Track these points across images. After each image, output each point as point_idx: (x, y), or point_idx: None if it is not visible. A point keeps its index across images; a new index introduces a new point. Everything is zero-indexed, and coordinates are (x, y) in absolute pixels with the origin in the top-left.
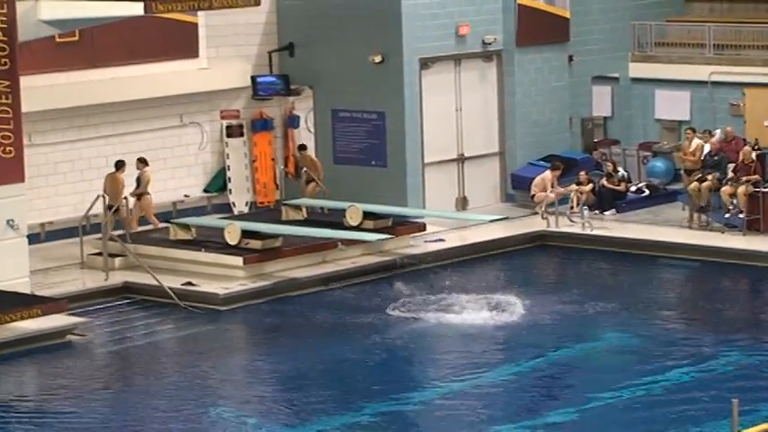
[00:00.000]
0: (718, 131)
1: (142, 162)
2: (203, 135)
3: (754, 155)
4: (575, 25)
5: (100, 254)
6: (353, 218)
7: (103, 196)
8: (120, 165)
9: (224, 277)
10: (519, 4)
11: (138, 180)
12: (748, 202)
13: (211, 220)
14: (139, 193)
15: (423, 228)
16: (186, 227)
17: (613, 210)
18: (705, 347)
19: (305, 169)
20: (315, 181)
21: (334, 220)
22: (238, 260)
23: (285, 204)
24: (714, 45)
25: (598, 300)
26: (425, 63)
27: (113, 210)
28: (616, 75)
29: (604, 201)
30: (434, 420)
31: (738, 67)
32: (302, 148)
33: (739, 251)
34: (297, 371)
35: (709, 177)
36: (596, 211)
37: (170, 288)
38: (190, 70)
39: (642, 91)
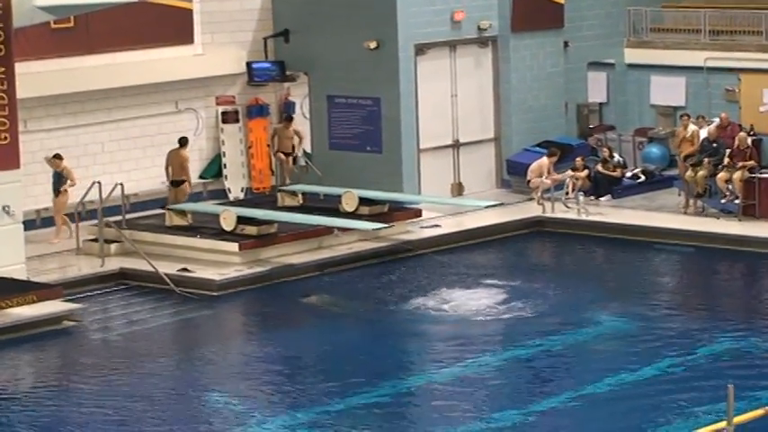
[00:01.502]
0: (716, 119)
1: (58, 158)
2: (199, 121)
3: (749, 140)
4: (570, 11)
5: (96, 240)
6: (349, 204)
7: (166, 171)
8: (183, 141)
9: (220, 263)
10: None
11: (59, 176)
12: (744, 188)
13: (207, 207)
14: (61, 190)
15: (418, 214)
16: (182, 213)
17: (609, 195)
18: (700, 333)
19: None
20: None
21: (330, 206)
22: (234, 246)
23: (281, 190)
24: (709, 31)
25: (593, 285)
26: (421, 49)
27: (177, 185)
28: (611, 60)
29: (600, 186)
30: (431, 406)
31: (734, 53)
32: (289, 119)
33: (735, 237)
34: (293, 357)
35: (704, 163)
36: (592, 197)
37: (166, 274)
38: (185, 56)
39: (638, 77)
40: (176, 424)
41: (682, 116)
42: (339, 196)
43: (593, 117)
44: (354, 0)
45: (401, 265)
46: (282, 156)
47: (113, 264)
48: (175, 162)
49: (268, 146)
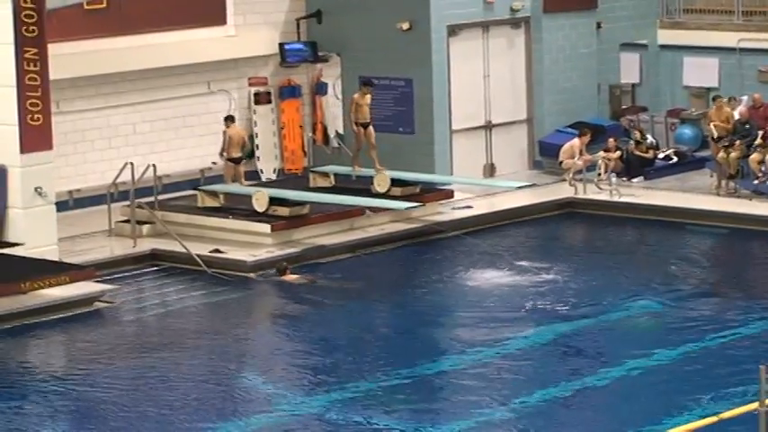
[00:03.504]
0: (744, 98)
1: None
2: (231, 102)
3: None
4: None
5: (128, 221)
6: (381, 185)
7: (227, 149)
8: (231, 119)
9: (252, 244)
10: None
11: None
12: None
13: (239, 188)
14: None
15: (450, 195)
16: (214, 194)
17: (641, 177)
18: (733, 314)
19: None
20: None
21: (362, 186)
22: (266, 227)
23: (313, 171)
24: (743, 11)
25: (625, 266)
26: (453, 30)
27: (238, 162)
28: (644, 41)
29: (632, 168)
30: (462, 386)
31: (767, 34)
32: (368, 84)
33: (767, 218)
34: (324, 338)
35: (736, 144)
36: (624, 179)
37: (198, 255)
38: (217, 37)
39: (670, 58)
40: (209, 405)
41: (714, 98)
42: (371, 177)
43: (626, 98)
44: None
45: (433, 246)
46: (361, 129)
47: (145, 245)
48: (237, 139)
49: (300, 127)
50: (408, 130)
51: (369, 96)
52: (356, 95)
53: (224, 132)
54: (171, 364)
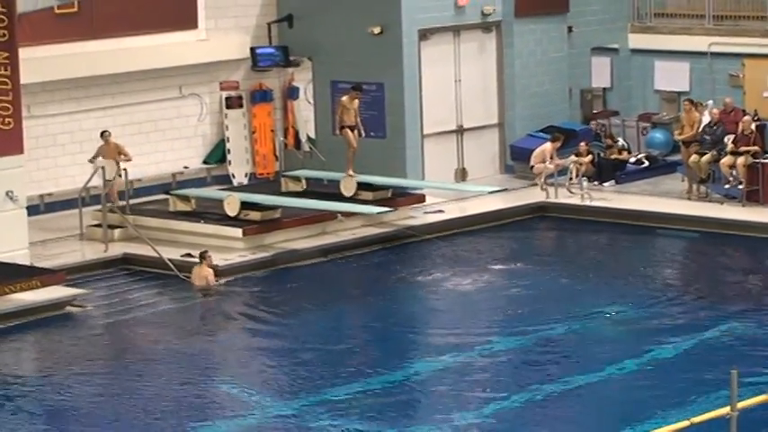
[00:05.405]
0: (710, 102)
1: None
2: (202, 106)
3: (753, 126)
4: None
5: (99, 225)
6: (347, 189)
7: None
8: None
9: (223, 249)
10: None
11: None
12: (748, 174)
13: (211, 192)
14: None
15: (422, 199)
16: (186, 198)
17: (612, 181)
18: (704, 318)
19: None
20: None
21: (334, 191)
22: (238, 231)
23: (284, 176)
24: (713, 16)
25: (597, 271)
26: (424, 34)
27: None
28: (615, 46)
29: (603, 172)
30: (434, 392)
31: (738, 38)
32: (357, 89)
33: (738, 222)
34: (296, 343)
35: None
36: (595, 183)
37: (169, 259)
38: (189, 41)
39: (641, 62)
40: (180, 409)
41: (684, 102)
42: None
43: (597, 102)
44: None
45: (404, 250)
46: (348, 131)
47: (117, 249)
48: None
49: (272, 131)
50: (380, 134)
51: (357, 101)
52: (344, 99)
53: (116, 149)
54: (142, 369)
